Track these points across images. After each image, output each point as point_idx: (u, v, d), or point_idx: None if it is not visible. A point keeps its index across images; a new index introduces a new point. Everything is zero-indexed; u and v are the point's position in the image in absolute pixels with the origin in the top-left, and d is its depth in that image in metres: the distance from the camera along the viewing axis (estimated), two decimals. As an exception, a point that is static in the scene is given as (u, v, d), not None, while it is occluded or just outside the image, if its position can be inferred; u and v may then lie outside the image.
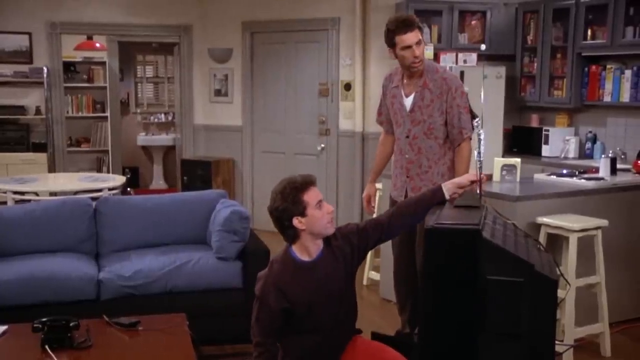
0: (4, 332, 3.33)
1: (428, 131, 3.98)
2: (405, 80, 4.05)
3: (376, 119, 4.44)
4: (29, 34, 7.95)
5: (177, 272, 4.26)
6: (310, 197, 2.89)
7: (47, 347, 3.07)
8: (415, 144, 4.03)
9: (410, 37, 3.82)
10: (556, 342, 2.58)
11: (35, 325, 3.16)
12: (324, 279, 2.94)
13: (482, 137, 3.53)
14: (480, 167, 3.72)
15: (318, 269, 2.94)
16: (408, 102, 4.02)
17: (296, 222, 2.87)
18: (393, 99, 4.12)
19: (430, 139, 4.00)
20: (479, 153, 3.62)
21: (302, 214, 2.87)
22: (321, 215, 2.89)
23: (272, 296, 2.89)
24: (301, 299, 2.91)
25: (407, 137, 4.06)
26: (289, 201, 2.87)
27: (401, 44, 3.86)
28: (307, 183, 2.93)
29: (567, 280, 3.95)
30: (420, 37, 3.85)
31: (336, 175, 7.50)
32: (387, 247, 5.40)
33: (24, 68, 7.96)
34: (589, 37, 6.23)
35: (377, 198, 5.66)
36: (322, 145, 7.56)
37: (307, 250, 2.95)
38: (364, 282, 5.90)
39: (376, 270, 5.76)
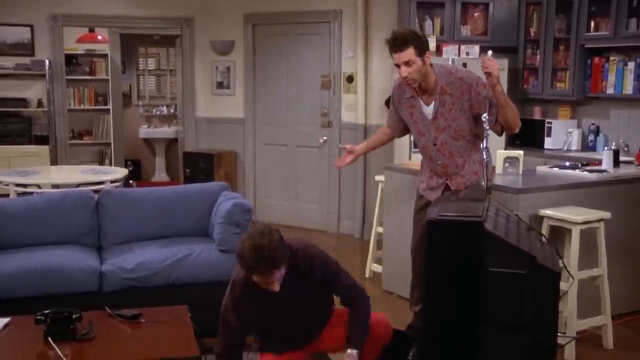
0: (7, 324, 3.34)
1: (455, 134, 3.92)
2: (420, 91, 3.93)
3: (386, 122, 4.39)
4: (31, 26, 7.95)
5: (179, 265, 4.26)
6: (258, 278, 2.94)
7: (49, 339, 3.09)
8: (445, 149, 3.97)
9: (396, 57, 3.74)
10: (558, 334, 2.58)
11: (38, 317, 3.17)
12: (287, 301, 3.08)
13: (488, 131, 3.55)
14: (488, 160, 3.75)
15: (281, 296, 3.02)
16: (429, 110, 3.93)
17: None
18: (411, 109, 4.03)
19: (459, 140, 3.94)
20: (487, 148, 3.65)
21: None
22: (263, 283, 2.96)
23: (232, 317, 3.14)
24: (262, 321, 3.17)
25: (435, 144, 3.99)
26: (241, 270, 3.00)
27: (393, 61, 3.82)
28: (256, 267, 2.90)
29: (569, 273, 3.95)
30: (412, 57, 3.70)
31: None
32: (389, 240, 5.41)
33: (26, 60, 7.96)
34: (592, 29, 6.20)
35: (379, 190, 5.67)
36: (324, 138, 7.55)
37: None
38: (367, 275, 5.90)
39: (378, 263, 5.76)
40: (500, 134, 3.97)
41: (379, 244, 5.74)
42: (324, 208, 7.67)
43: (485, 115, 3.56)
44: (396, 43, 3.72)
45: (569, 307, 4.19)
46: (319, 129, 7.57)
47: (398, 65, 3.76)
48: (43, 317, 3.16)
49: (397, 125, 4.25)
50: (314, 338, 3.30)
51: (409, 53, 3.70)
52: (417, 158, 4.47)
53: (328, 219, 7.64)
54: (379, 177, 5.67)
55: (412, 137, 5.75)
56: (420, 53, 3.72)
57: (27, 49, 7.97)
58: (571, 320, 4.20)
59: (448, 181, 4.06)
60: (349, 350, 3.13)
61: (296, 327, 3.21)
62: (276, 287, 2.96)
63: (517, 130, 3.91)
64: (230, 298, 3.13)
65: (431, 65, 3.85)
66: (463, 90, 3.83)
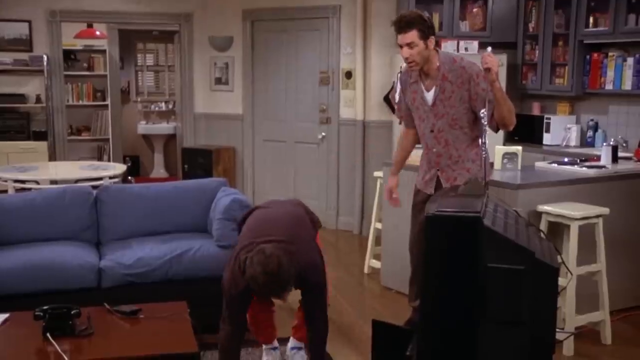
0: (6, 320, 3.34)
1: (452, 122, 3.93)
2: (423, 75, 3.99)
3: (396, 113, 4.43)
4: (29, 22, 7.94)
5: (177, 260, 4.26)
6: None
7: (48, 334, 3.09)
8: (441, 137, 3.99)
9: (400, 39, 3.83)
10: (557, 329, 2.58)
11: (36, 313, 3.17)
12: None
13: (486, 127, 3.55)
14: (486, 156, 3.75)
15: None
16: (429, 96, 3.96)
17: None
18: (414, 95, 4.06)
19: (456, 130, 3.95)
20: (484, 143, 3.65)
21: None
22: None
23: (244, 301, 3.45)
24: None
25: (432, 131, 4.01)
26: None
27: (397, 41, 3.88)
28: (269, 293, 3.28)
29: (568, 268, 3.95)
30: (414, 40, 3.78)
31: (337, 163, 7.49)
32: (387, 235, 5.41)
33: (24, 56, 7.95)
34: (590, 25, 6.20)
35: (378, 186, 5.67)
36: (323, 134, 7.55)
37: None
38: (365, 270, 5.91)
39: (377, 259, 5.77)
40: (496, 131, 3.98)
41: (378, 240, 5.75)
42: (323, 204, 7.67)
43: (483, 110, 3.57)
44: (401, 24, 3.82)
45: (567, 302, 4.20)
46: (318, 125, 7.57)
47: (401, 46, 3.84)
48: (42, 313, 3.16)
49: (409, 116, 4.23)
50: None
51: (412, 35, 3.78)
52: (415, 154, 4.47)
53: (327, 215, 7.64)
54: (378, 173, 5.68)
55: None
56: (423, 36, 3.80)
57: (25, 44, 7.96)
58: (570, 315, 4.21)
59: (439, 173, 4.06)
60: None
61: None
62: (286, 300, 3.38)
63: (511, 128, 3.93)
64: (239, 290, 3.35)
65: (437, 51, 3.91)
66: (463, 79, 3.86)
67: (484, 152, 3.78)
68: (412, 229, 4.26)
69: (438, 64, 3.90)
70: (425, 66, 3.90)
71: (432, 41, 3.83)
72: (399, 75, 4.26)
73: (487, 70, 3.62)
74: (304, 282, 3.39)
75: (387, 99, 6.80)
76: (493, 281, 2.38)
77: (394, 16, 6.67)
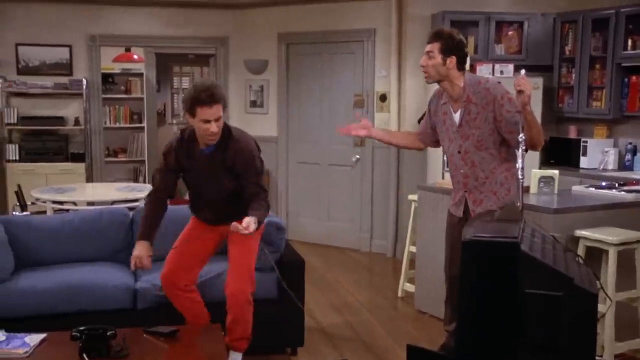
0: (44, 341, 3.37)
1: (478, 144, 3.93)
2: (449, 97, 4.01)
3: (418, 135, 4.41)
4: (70, 47, 8.12)
5: (213, 282, 4.27)
6: (203, 113, 3.58)
7: (85, 356, 3.11)
8: (468, 158, 3.98)
9: (426, 47, 3.93)
10: (596, 357, 2.54)
11: (73, 334, 3.20)
12: (206, 167, 3.83)
13: (523, 149, 3.53)
14: (523, 180, 3.72)
15: (202, 160, 3.82)
16: (457, 117, 3.98)
17: (187, 116, 3.67)
18: (444, 116, 4.08)
19: (482, 151, 3.94)
20: (522, 168, 3.62)
21: (192, 116, 3.64)
22: (202, 129, 3.64)
23: (170, 158, 3.94)
24: (191, 178, 4.02)
25: (460, 152, 4.01)
26: (187, 104, 3.62)
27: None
28: (206, 102, 3.56)
29: (607, 295, 3.89)
30: (434, 51, 3.86)
31: (371, 186, 7.49)
32: (422, 259, 5.37)
33: (64, 80, 8.12)
34: (629, 48, 6.14)
35: (412, 209, 5.65)
36: (357, 157, 7.56)
37: (202, 141, 3.78)
38: (399, 294, 5.87)
39: (411, 282, 5.72)
40: (525, 152, 3.95)
41: (412, 264, 5.71)
42: (357, 227, 7.66)
43: (522, 135, 3.54)
44: (431, 34, 3.97)
45: (606, 329, 4.12)
46: (352, 147, 7.58)
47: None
48: (79, 334, 3.19)
49: (426, 134, 4.27)
50: (226, 222, 3.70)
51: (434, 46, 3.88)
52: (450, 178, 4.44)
53: (361, 238, 7.63)
54: (412, 197, 5.65)
55: (445, 157, 5.74)
56: (443, 51, 3.85)
57: (65, 68, 8.14)
58: (609, 343, 4.13)
59: (467, 195, 4.03)
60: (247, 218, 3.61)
61: (214, 201, 3.95)
62: (214, 128, 3.61)
63: (539, 149, 3.95)
64: (171, 144, 3.89)
65: (464, 73, 3.92)
66: (488, 101, 3.86)
67: (521, 177, 3.75)
68: (445, 251, 4.24)
69: (463, 86, 3.91)
70: (447, 84, 3.93)
71: (452, 61, 3.85)
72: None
73: (520, 92, 3.60)
74: (236, 161, 3.76)
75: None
76: (531, 307, 2.35)
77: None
